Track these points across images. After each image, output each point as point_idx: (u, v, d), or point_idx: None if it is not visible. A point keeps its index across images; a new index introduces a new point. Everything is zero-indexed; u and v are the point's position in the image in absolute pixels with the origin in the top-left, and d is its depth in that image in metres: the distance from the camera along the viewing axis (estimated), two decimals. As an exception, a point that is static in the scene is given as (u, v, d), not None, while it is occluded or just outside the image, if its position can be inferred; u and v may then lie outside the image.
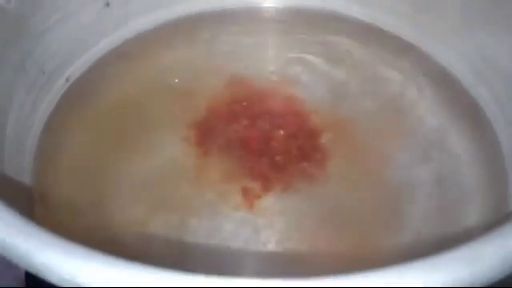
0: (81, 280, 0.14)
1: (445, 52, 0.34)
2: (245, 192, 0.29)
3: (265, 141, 0.31)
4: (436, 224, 0.27)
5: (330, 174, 0.29)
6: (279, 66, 0.35)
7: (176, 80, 0.34)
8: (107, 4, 0.34)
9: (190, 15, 0.37)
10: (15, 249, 0.15)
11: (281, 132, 0.31)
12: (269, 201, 0.28)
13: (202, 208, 0.28)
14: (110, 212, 0.28)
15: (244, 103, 0.33)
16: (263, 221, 0.28)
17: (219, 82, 0.34)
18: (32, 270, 0.15)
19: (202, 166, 0.30)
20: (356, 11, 0.37)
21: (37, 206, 0.28)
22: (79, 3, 0.33)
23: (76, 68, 0.34)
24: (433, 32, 0.34)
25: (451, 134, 0.31)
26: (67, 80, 0.33)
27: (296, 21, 0.38)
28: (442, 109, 0.32)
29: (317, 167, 0.30)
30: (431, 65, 0.34)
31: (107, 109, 0.33)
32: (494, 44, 0.31)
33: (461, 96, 0.33)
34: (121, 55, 0.35)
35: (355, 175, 0.29)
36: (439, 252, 0.14)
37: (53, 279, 0.15)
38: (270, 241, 0.27)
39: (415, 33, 0.35)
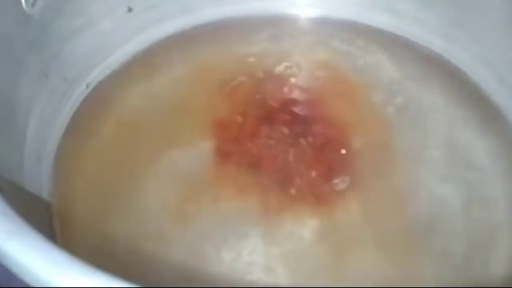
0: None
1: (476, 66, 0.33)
2: (264, 208, 0.28)
3: (289, 156, 0.30)
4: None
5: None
6: (306, 77, 0.34)
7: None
8: (130, 10, 0.34)
9: (214, 22, 0.36)
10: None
11: (305, 148, 0.31)
12: (287, 220, 0.28)
13: (221, 224, 0.27)
14: (128, 225, 0.27)
15: (267, 114, 0.32)
16: (280, 240, 0.27)
17: (241, 92, 0.33)
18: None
19: (221, 180, 0.29)
20: (384, 22, 0.36)
21: (55, 217, 0.27)
22: (102, 8, 0.32)
23: (97, 74, 0.33)
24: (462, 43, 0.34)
25: (480, 154, 0.30)
26: (87, 86, 0.33)
27: (323, 31, 0.37)
28: (471, 126, 0.32)
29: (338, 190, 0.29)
30: (460, 77, 0.34)
31: (126, 116, 0.32)
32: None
33: (490, 112, 0.32)
34: (143, 61, 0.35)
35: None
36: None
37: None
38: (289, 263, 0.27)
39: (444, 44, 0.35)
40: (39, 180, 0.27)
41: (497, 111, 0.32)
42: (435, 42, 0.35)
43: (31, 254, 0.14)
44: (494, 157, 0.30)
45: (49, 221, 0.27)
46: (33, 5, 0.27)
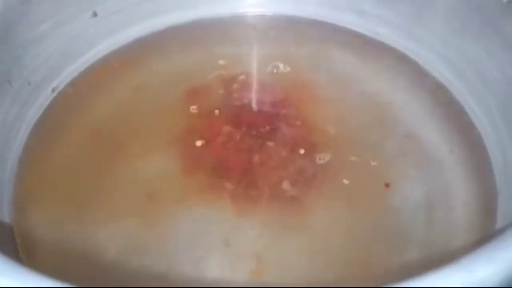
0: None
1: (438, 63, 0.34)
2: (227, 210, 0.28)
3: (254, 158, 0.30)
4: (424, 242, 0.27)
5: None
6: (274, 78, 0.35)
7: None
8: (95, 14, 0.34)
9: (178, 25, 0.37)
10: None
11: (271, 150, 0.31)
12: (251, 221, 0.28)
13: (189, 227, 0.27)
14: (97, 235, 0.27)
15: (232, 115, 0.32)
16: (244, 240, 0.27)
17: (206, 94, 0.33)
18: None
19: (190, 182, 0.29)
20: (348, 21, 0.37)
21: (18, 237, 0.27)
22: (67, 12, 0.32)
23: (63, 78, 0.33)
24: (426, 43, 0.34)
25: (443, 150, 0.31)
26: (53, 91, 0.33)
27: (284, 29, 0.37)
28: (433, 121, 0.32)
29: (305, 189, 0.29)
30: (424, 75, 0.34)
31: (93, 121, 0.32)
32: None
33: (455, 111, 0.33)
34: (109, 65, 0.35)
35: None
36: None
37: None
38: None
39: (407, 43, 0.35)
40: (3, 181, 0.27)
41: (458, 106, 0.33)
42: (399, 41, 0.36)
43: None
44: (454, 150, 0.31)
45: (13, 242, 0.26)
46: (-8, 9, 0.27)
